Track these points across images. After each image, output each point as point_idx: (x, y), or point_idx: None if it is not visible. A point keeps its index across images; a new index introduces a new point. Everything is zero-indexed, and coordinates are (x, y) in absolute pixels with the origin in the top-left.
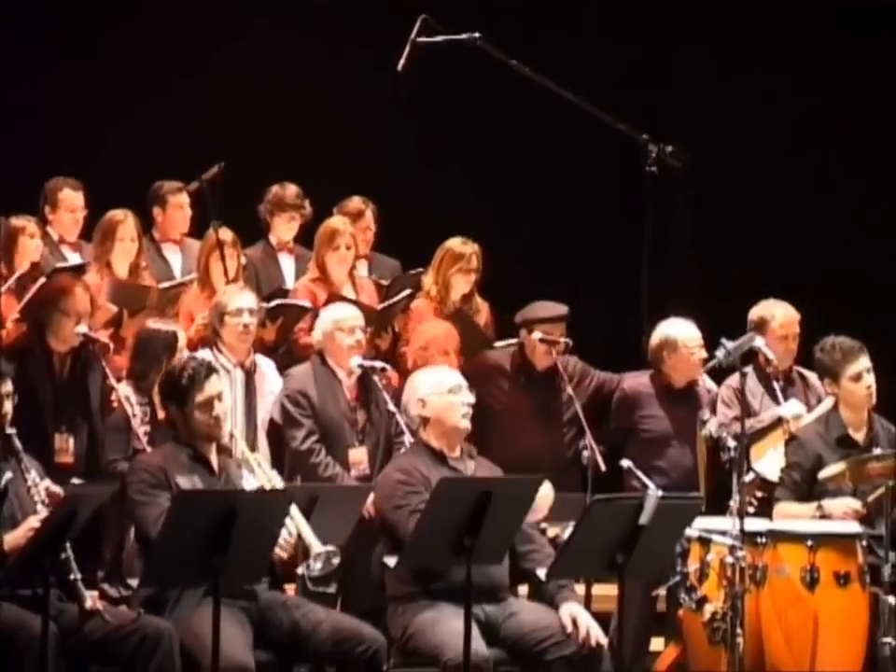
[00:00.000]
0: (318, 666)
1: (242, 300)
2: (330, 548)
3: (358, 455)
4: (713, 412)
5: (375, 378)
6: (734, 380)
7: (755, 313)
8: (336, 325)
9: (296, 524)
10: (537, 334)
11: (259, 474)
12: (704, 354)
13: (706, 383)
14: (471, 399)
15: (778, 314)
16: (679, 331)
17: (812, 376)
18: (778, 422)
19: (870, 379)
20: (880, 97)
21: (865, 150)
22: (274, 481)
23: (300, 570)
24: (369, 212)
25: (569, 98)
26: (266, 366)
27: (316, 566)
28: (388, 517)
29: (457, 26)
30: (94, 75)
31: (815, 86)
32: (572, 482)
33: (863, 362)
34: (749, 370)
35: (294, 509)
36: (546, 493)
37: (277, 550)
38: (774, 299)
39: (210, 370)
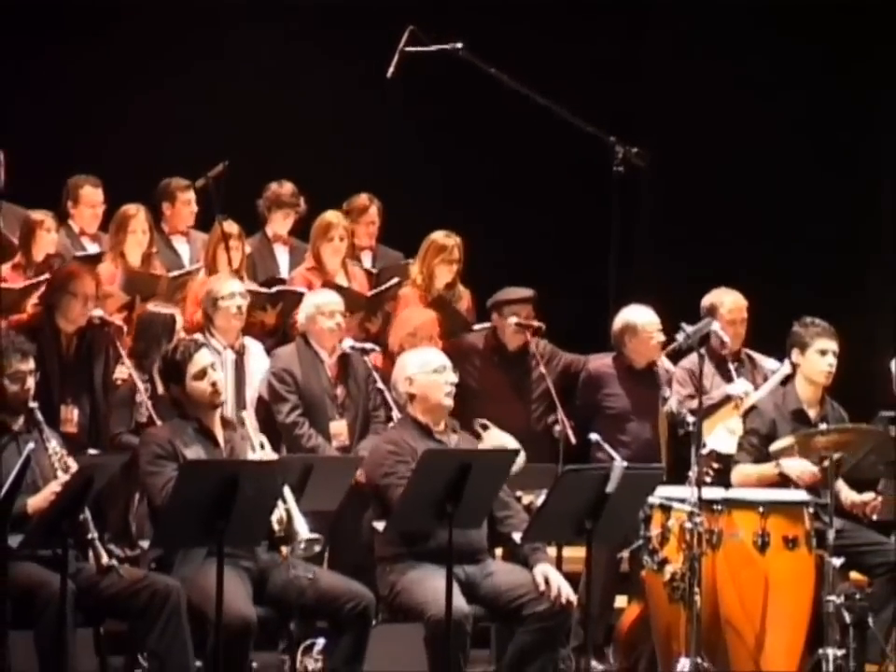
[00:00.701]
0: (313, 621)
1: (232, 286)
2: (315, 536)
3: (339, 427)
4: (670, 390)
5: (366, 358)
6: (688, 361)
7: (707, 300)
8: (318, 309)
9: (288, 507)
10: (513, 318)
11: (258, 452)
12: (662, 337)
13: (664, 363)
14: (455, 378)
15: (727, 300)
16: (639, 317)
17: (759, 357)
18: (727, 399)
19: (833, 360)
20: (837, 96)
21: (815, 150)
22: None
23: (284, 551)
24: (374, 207)
25: (545, 103)
26: (254, 347)
27: (300, 549)
28: (378, 484)
29: (446, 31)
30: (106, 79)
31: (773, 84)
32: (541, 453)
33: (833, 343)
34: (703, 352)
35: (288, 493)
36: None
37: (274, 527)
38: (724, 287)
39: (199, 344)
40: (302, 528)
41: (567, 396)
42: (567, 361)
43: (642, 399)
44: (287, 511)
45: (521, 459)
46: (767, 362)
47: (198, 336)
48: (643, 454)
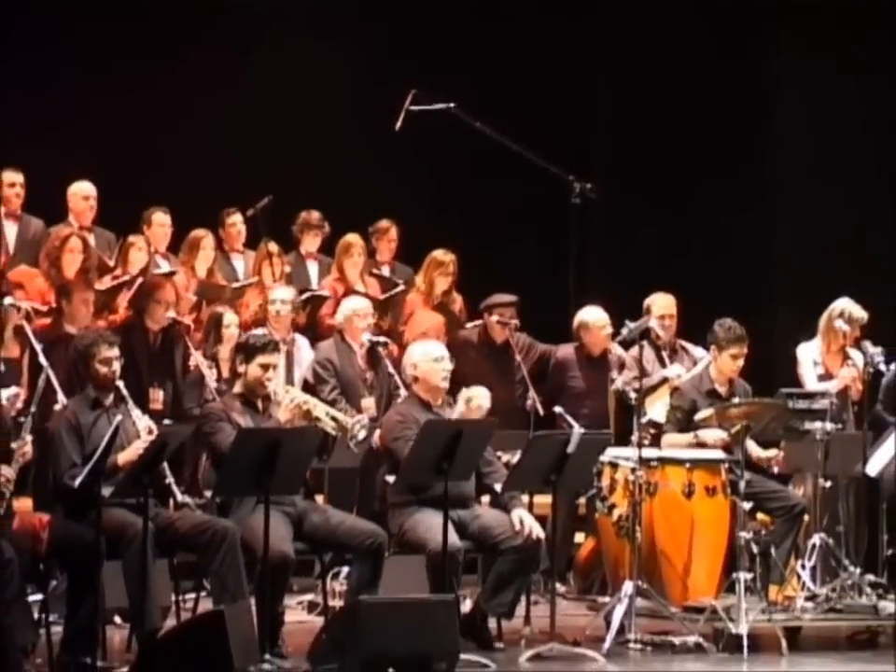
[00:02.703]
0: (339, 553)
1: (276, 293)
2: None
3: (368, 403)
4: (620, 372)
5: (380, 349)
6: (634, 350)
7: (645, 301)
8: (354, 312)
9: (332, 415)
10: (494, 317)
11: (327, 420)
12: (610, 330)
13: (616, 350)
14: (450, 366)
15: (659, 301)
16: (589, 315)
17: (690, 347)
18: (664, 381)
19: (741, 362)
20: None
21: (730, 174)
22: (344, 420)
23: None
24: (393, 230)
25: (518, 149)
26: (302, 341)
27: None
28: (389, 446)
29: (445, 91)
30: (171, 124)
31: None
32: (522, 422)
33: (743, 349)
34: (644, 342)
35: (326, 407)
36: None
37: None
38: (660, 292)
39: (277, 346)
40: (346, 419)
41: (543, 377)
42: (541, 350)
43: (597, 380)
44: (332, 417)
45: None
46: (696, 350)
47: (262, 330)
48: (598, 423)
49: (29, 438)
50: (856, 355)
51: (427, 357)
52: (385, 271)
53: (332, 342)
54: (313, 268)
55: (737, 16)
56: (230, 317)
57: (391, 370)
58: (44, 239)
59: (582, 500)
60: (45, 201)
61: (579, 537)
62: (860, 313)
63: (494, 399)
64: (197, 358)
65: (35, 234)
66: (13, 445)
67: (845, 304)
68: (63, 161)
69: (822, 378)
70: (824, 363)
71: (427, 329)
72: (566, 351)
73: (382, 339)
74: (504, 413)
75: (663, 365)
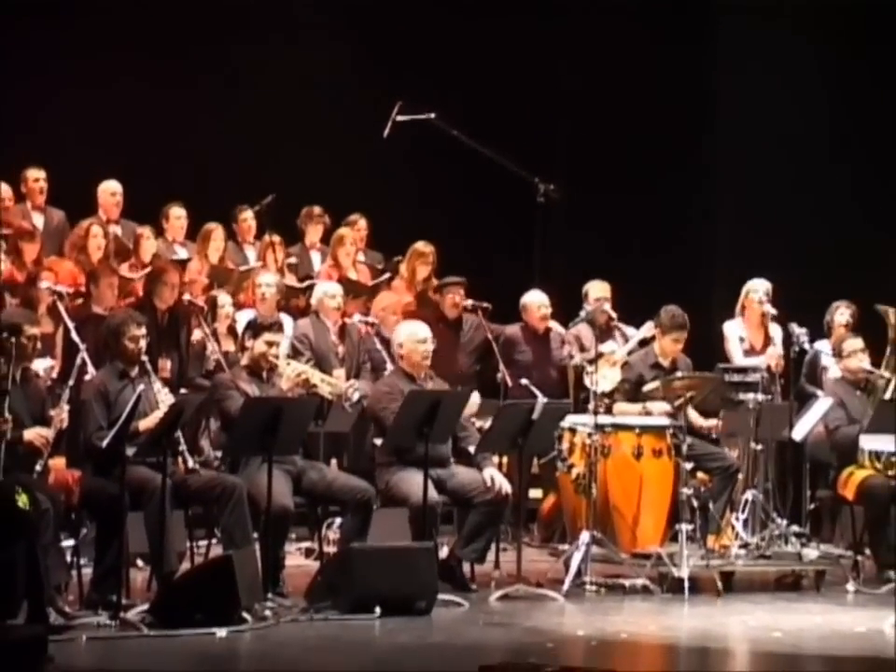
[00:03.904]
0: (333, 506)
1: (262, 278)
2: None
3: (339, 374)
4: (561, 347)
5: (362, 327)
6: (575, 329)
7: (584, 288)
8: (325, 294)
9: (326, 380)
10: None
11: (323, 385)
12: (546, 311)
13: (557, 328)
14: (431, 347)
15: (595, 287)
16: (528, 298)
17: (623, 326)
18: (600, 356)
19: (681, 345)
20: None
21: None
22: (337, 384)
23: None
24: (363, 221)
25: (492, 155)
26: (286, 319)
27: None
28: (377, 413)
29: (428, 102)
30: (189, 129)
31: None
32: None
33: (684, 334)
34: (584, 322)
35: (322, 374)
36: (474, 401)
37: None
38: (597, 280)
39: (281, 327)
40: (340, 384)
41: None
42: (491, 328)
43: (541, 355)
44: (328, 382)
45: (476, 398)
46: (629, 329)
47: (251, 312)
48: (543, 392)
49: (66, 407)
50: (776, 331)
51: (412, 337)
52: (360, 256)
53: (309, 320)
54: (316, 257)
55: (682, 20)
56: (223, 298)
57: (378, 345)
58: (66, 229)
59: (536, 461)
60: (70, 195)
61: (534, 493)
62: (769, 287)
63: (445, 368)
64: (204, 331)
65: (58, 225)
66: (51, 413)
67: (762, 285)
68: (88, 160)
69: (748, 353)
70: (749, 339)
71: (386, 307)
72: (513, 329)
73: (369, 318)
74: (455, 381)
75: (599, 342)
